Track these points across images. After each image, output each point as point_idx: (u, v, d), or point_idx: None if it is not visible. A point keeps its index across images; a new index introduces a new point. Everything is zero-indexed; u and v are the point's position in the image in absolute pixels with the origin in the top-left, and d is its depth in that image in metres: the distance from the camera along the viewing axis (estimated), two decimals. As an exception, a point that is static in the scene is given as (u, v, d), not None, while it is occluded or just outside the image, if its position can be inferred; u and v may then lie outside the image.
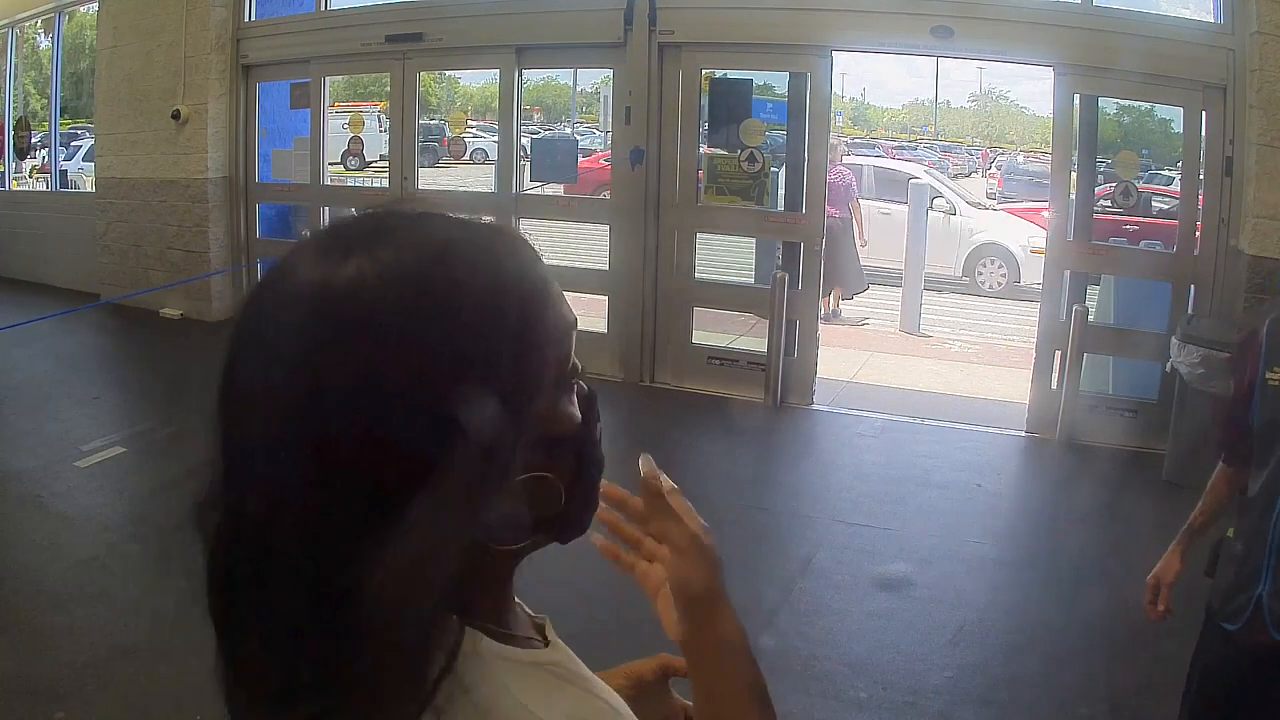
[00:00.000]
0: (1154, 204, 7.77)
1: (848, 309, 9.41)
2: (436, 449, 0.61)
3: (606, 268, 6.83)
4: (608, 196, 7.20)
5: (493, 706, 0.65)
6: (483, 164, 10.86)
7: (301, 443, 0.62)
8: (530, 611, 0.80)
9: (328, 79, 7.85)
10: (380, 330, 0.62)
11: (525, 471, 0.66)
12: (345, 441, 0.61)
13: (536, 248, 0.73)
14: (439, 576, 0.61)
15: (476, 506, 0.62)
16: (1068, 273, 5.89)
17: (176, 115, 7.76)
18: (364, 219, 0.69)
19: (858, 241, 9.39)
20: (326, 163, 7.94)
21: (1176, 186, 6.26)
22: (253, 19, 7.86)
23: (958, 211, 11.35)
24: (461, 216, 0.71)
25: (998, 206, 13.21)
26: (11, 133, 9.71)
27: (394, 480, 0.61)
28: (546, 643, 0.77)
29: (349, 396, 0.61)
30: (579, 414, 0.72)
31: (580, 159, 11.04)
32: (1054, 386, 5.78)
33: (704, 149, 6.60)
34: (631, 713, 0.75)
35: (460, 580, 0.63)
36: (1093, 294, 6.23)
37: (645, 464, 0.87)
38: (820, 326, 6.52)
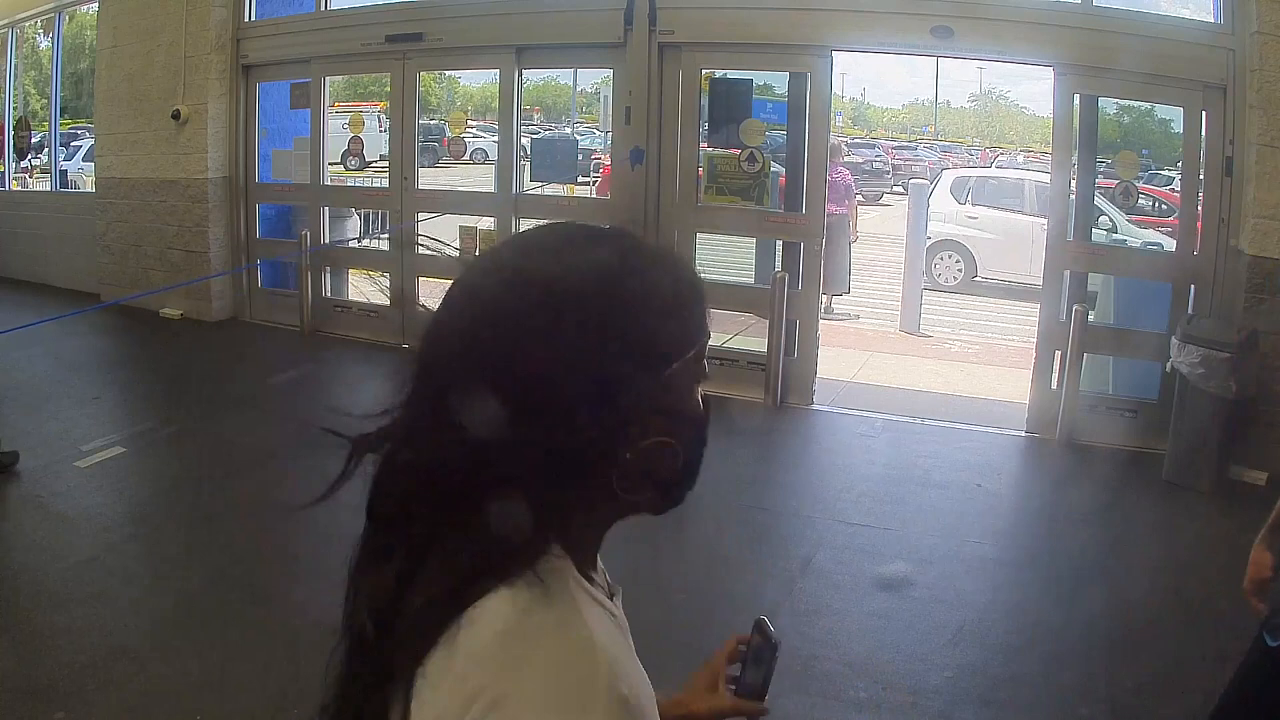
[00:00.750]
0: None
1: (839, 305, 9.47)
2: (594, 404, 0.77)
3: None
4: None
5: (560, 598, 0.77)
6: (483, 164, 10.86)
7: (493, 381, 0.77)
8: (609, 578, 0.92)
9: (328, 79, 7.85)
10: (586, 312, 0.77)
11: (657, 435, 0.81)
12: (526, 382, 0.76)
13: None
14: (562, 505, 0.80)
15: (615, 454, 0.79)
16: (1068, 273, 5.90)
17: (176, 115, 7.77)
18: (571, 227, 0.85)
19: (850, 238, 9.46)
20: (326, 163, 7.93)
21: (1176, 186, 6.26)
22: (253, 19, 7.86)
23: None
24: (642, 239, 0.86)
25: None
26: (11, 133, 9.71)
27: (555, 422, 0.76)
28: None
29: (549, 353, 0.76)
30: (703, 404, 0.86)
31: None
32: (1054, 386, 5.78)
33: (704, 149, 6.60)
34: (653, 697, 0.81)
35: (565, 522, 0.81)
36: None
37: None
38: (820, 326, 6.52)
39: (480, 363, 0.77)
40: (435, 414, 0.78)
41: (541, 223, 0.88)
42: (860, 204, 14.23)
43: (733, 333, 6.79)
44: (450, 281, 0.83)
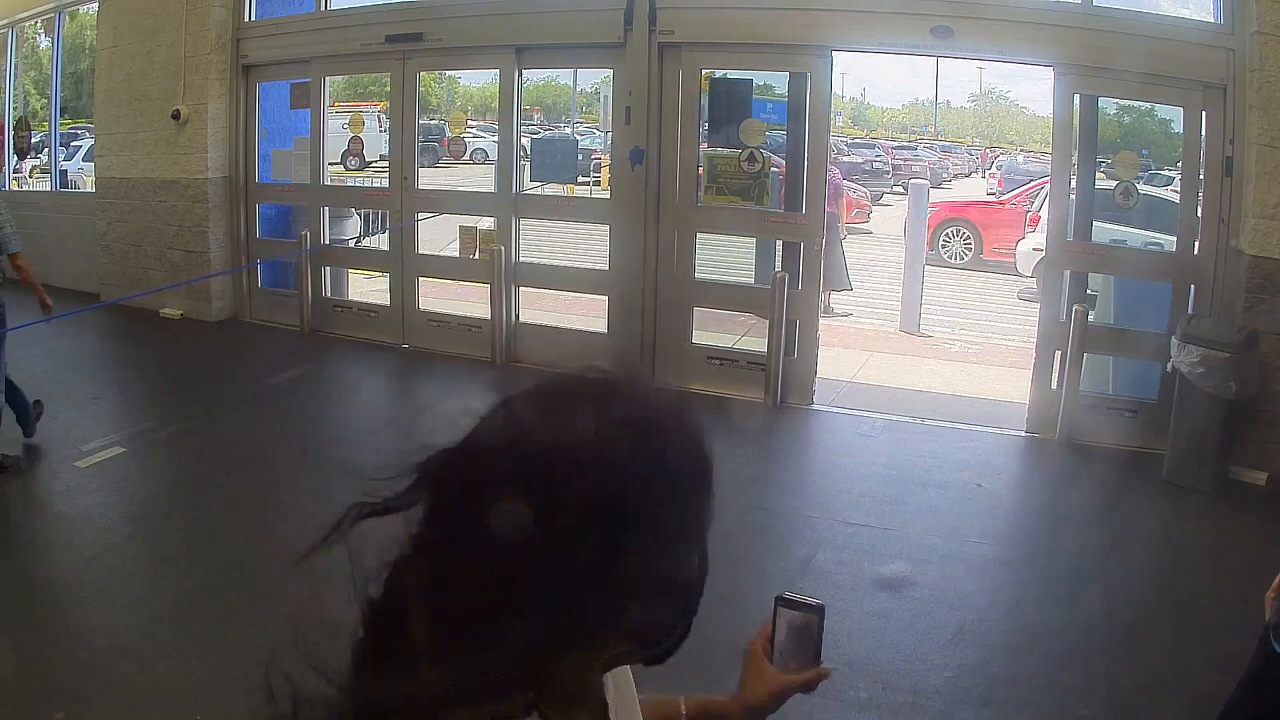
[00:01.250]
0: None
1: (838, 304, 9.50)
2: (592, 592, 0.77)
3: (606, 268, 6.83)
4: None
5: None
6: (483, 164, 10.85)
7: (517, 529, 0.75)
8: (609, 697, 0.93)
9: (328, 79, 7.85)
10: (605, 486, 0.77)
11: (652, 613, 0.82)
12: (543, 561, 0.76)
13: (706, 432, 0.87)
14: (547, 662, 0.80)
15: (610, 636, 0.81)
16: (1068, 273, 5.89)
17: (176, 115, 7.77)
18: (590, 382, 0.89)
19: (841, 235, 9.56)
20: (326, 163, 7.93)
21: (1176, 186, 6.27)
22: (253, 19, 7.86)
23: None
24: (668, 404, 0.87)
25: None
26: (11, 133, 9.71)
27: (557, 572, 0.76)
28: None
29: (559, 517, 0.75)
30: (698, 575, 0.86)
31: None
32: (1054, 386, 5.78)
33: (704, 149, 6.60)
34: None
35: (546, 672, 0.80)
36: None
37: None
38: (820, 326, 6.52)
39: (497, 535, 0.76)
40: (462, 543, 0.78)
41: (559, 382, 0.89)
42: (856, 203, 14.30)
43: (734, 336, 6.80)
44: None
